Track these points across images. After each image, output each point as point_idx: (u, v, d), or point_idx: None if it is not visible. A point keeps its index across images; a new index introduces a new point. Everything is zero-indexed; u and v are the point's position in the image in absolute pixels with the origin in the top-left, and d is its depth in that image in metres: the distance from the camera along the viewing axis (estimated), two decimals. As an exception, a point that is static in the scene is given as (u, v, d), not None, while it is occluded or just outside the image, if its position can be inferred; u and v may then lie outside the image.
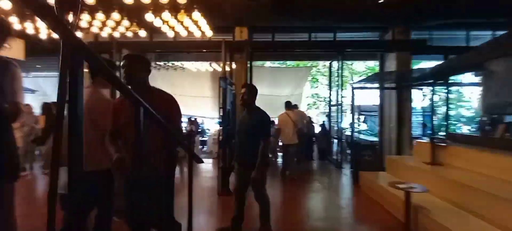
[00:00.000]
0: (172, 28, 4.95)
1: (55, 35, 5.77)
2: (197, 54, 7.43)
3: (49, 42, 5.93)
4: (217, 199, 4.33)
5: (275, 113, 10.56)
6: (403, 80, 5.83)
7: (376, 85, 6.70)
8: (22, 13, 5.10)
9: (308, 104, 15.36)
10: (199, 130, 9.76)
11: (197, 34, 5.17)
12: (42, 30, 5.56)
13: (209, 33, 5.22)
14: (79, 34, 5.63)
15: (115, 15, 4.68)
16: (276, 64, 11.08)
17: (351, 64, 13.19)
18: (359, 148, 5.07)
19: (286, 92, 9.41)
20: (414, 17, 5.55)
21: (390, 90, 6.24)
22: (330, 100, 7.54)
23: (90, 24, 5.00)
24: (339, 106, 7.24)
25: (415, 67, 6.62)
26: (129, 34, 5.49)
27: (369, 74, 11.34)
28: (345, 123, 9.09)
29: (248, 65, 6.42)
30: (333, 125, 8.23)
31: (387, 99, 6.49)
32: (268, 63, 9.89)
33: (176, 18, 4.65)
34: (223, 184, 4.49)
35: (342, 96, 7.22)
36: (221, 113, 4.61)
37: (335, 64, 7.91)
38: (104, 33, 5.47)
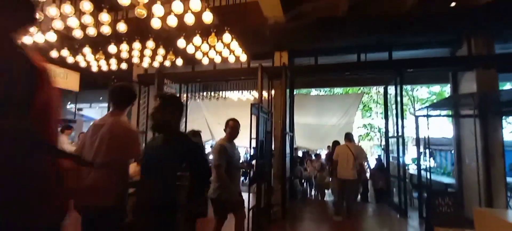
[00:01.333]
0: (205, 54, 4.72)
1: (103, 68, 6.15)
2: (238, 83, 7.19)
3: (100, 75, 6.32)
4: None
5: (321, 144, 9.58)
6: (488, 105, 4.51)
7: (449, 112, 5.39)
8: (76, 49, 5.50)
9: (360, 135, 13.83)
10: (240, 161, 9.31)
11: (231, 59, 4.85)
12: (93, 63, 5.93)
13: (243, 57, 4.86)
14: (123, 65, 5.89)
15: (150, 44, 4.67)
16: (322, 92, 10.28)
17: (412, 91, 11.59)
18: (433, 193, 3.86)
19: (332, 122, 8.46)
20: (500, 24, 4.35)
21: (469, 119, 4.89)
22: (386, 132, 6.37)
23: (130, 54, 5.11)
24: (400, 138, 5.99)
25: (504, 88, 5.16)
26: (167, 63, 5.47)
27: (435, 101, 9.68)
28: (408, 158, 7.59)
29: (288, 92, 5.83)
30: (391, 160, 6.86)
31: (465, 130, 5.11)
32: (314, 92, 9.21)
33: (207, 42, 4.41)
34: (255, 227, 3.76)
35: (402, 127, 5.99)
36: (254, 145, 4.01)
37: (391, 89, 6.77)
38: (145, 64, 5.57)
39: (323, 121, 8.55)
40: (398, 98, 5.79)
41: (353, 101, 8.25)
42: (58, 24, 3.99)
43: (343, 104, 7.97)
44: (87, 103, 9.09)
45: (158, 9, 3.47)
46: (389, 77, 6.31)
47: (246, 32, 4.92)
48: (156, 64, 5.55)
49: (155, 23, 3.76)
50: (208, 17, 3.63)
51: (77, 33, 4.21)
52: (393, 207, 5.77)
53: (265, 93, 5.98)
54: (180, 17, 3.63)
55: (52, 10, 3.68)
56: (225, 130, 3.17)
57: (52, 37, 4.49)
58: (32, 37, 4.44)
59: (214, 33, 4.27)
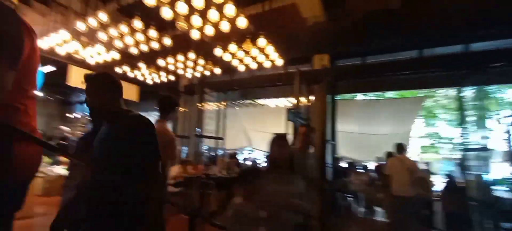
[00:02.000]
0: (241, 60, 4.79)
1: (156, 81, 6.78)
2: (276, 89, 7.11)
3: (154, 87, 6.99)
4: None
5: (369, 155, 8.69)
6: None
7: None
8: (134, 64, 6.19)
9: (423, 147, 12.15)
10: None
11: (267, 64, 4.81)
12: (148, 77, 6.59)
13: (279, 62, 4.77)
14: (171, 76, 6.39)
15: (191, 55, 4.95)
16: (370, 97, 9.38)
17: (495, 93, 9.63)
18: None
19: (384, 131, 7.62)
20: None
21: None
22: (462, 143, 5.05)
23: (175, 66, 5.51)
24: (483, 151, 4.80)
25: None
26: (207, 73, 5.74)
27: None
28: (492, 176, 5.97)
29: (329, 97, 5.49)
30: (470, 178, 5.26)
31: None
32: (359, 96, 8.45)
33: (243, 49, 4.47)
34: None
35: (484, 137, 4.88)
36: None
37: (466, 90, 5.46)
38: (188, 74, 5.94)
39: (372, 129, 7.77)
40: (478, 102, 4.76)
41: (412, 107, 7.24)
42: (118, 43, 4.55)
43: (398, 111, 7.08)
44: (146, 112, 10.12)
45: (196, 20, 3.67)
46: (463, 76, 4.98)
47: (282, 36, 4.82)
48: (197, 74, 5.89)
49: (194, 34, 3.98)
50: (242, 23, 3.69)
51: (133, 50, 4.73)
52: None
53: (303, 100, 5.76)
54: (216, 26, 3.78)
55: (112, 31, 4.23)
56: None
57: (115, 55, 5.14)
58: (100, 56, 5.17)
59: (249, 39, 4.31)
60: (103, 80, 1.54)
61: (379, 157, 9.07)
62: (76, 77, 6.03)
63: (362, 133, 7.59)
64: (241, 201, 1.86)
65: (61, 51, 4.79)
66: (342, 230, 4.87)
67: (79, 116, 11.88)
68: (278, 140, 2.09)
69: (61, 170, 5.69)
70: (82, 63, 5.68)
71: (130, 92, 7.40)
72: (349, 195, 6.15)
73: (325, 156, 4.75)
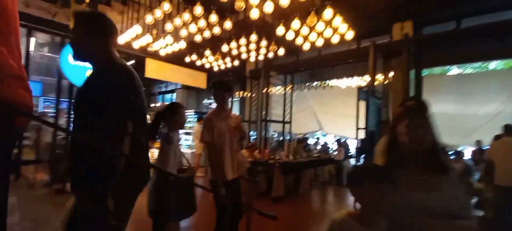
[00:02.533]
0: (306, 38, 4.42)
1: (222, 67, 6.99)
2: (347, 67, 6.46)
3: (221, 74, 7.23)
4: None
5: (465, 139, 7.19)
6: None
7: None
8: (200, 53, 6.48)
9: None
10: (349, 154, 8.42)
11: (335, 39, 4.32)
12: (214, 64, 6.84)
13: (349, 34, 4.22)
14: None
15: (253, 37, 4.83)
16: (466, 70, 7.64)
17: None
18: None
19: (487, 110, 6.17)
20: None
21: None
22: None
23: (239, 50, 5.50)
24: None
25: None
26: (271, 55, 5.56)
27: None
28: None
29: (412, 72, 4.64)
30: None
31: None
32: (452, 70, 6.92)
33: (307, 25, 4.09)
34: None
35: None
36: (361, 137, 3.40)
37: None
38: (252, 58, 5.88)
39: (469, 108, 6.36)
40: None
41: None
42: (183, 32, 4.76)
43: (506, 86, 5.56)
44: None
45: (254, -2, 3.48)
46: None
47: (353, 4, 4.23)
48: (261, 57, 5.77)
49: (254, 14, 3.82)
50: (304, -7, 3.33)
51: (197, 38, 4.90)
52: None
53: (380, 77, 5.04)
54: (275, 1, 3.52)
55: (177, 20, 4.42)
56: None
57: (183, 45, 5.43)
58: (170, 46, 5.55)
59: (313, 13, 3.91)
60: (90, 18, 1.34)
61: (479, 141, 7.47)
62: (151, 69, 6.69)
63: (456, 113, 6.31)
64: (350, 216, 1.11)
65: (136, 45, 5.27)
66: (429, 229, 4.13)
67: (158, 105, 13.44)
68: (413, 114, 1.14)
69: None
70: (155, 55, 6.22)
71: (199, 80, 7.86)
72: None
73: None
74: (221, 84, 2.32)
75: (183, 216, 2.17)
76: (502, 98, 5.82)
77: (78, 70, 4.68)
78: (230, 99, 2.47)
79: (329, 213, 4.84)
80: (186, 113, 2.29)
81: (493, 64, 7.29)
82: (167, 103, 2.43)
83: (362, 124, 3.87)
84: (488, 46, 4.91)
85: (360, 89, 3.30)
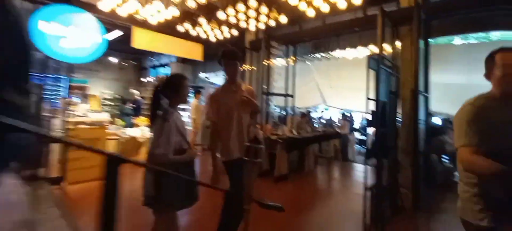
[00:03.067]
0: (310, 3, 4.07)
1: (219, 37, 6.57)
2: (353, 37, 6.11)
3: (218, 45, 6.82)
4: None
5: None
6: None
7: None
8: (194, 21, 6.04)
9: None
10: (354, 127, 8.33)
11: (342, 4, 3.98)
12: (210, 33, 6.42)
13: (357, 1, 3.88)
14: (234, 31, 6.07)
15: (252, 3, 4.44)
16: (473, 39, 7.37)
17: None
18: None
19: (494, 81, 5.98)
20: None
21: None
22: None
23: (237, 17, 5.10)
24: None
25: None
26: (273, 23, 5.19)
27: None
28: None
29: (421, 43, 4.37)
30: None
31: None
32: (459, 40, 6.58)
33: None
34: (374, 221, 2.95)
35: None
36: (372, 109, 3.18)
37: None
38: (252, 26, 5.49)
39: (475, 78, 6.16)
40: None
41: None
42: (175, -3, 4.33)
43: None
44: (213, 72, 10.22)
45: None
46: None
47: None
48: (262, 26, 5.39)
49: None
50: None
51: (191, 4, 4.48)
52: None
53: (387, 47, 4.76)
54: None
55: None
56: None
57: (175, 12, 4.99)
58: (160, 14, 5.11)
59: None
60: None
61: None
62: (140, 40, 6.22)
63: (462, 83, 6.13)
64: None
65: (122, 12, 4.82)
66: (437, 202, 4.08)
67: (151, 80, 12.95)
68: None
69: (134, 132, 6.03)
70: (144, 24, 5.76)
71: (194, 52, 7.45)
72: (447, 157, 5.16)
73: (417, 111, 3.89)
74: (233, 54, 2.09)
75: (183, 205, 1.87)
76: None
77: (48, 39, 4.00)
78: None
79: (336, 191, 4.71)
80: (189, 86, 2.00)
81: (497, 35, 7.01)
82: (167, 75, 2.14)
83: (371, 96, 3.67)
84: (497, 13, 4.61)
85: (370, 57, 3.03)
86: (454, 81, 6.34)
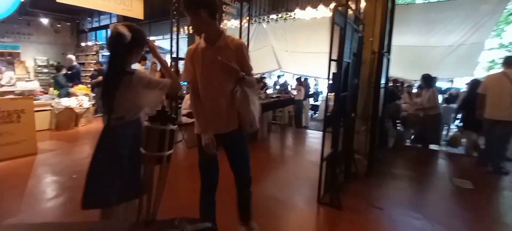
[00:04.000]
0: None
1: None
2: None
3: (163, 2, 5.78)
4: (312, 211, 2.65)
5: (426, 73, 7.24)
6: None
7: None
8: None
9: (491, 62, 10.08)
10: (310, 93, 8.10)
11: None
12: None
13: None
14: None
15: None
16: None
17: None
18: None
19: (449, 41, 6.01)
20: None
21: None
22: None
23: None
24: None
25: None
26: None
27: None
28: None
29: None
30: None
31: None
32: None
33: None
34: (328, 188, 2.80)
35: None
36: (334, 71, 2.73)
37: None
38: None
39: (432, 40, 6.14)
40: None
41: (491, 10, 5.36)
42: None
43: (475, 14, 5.28)
44: (160, 35, 9.05)
45: None
46: None
47: None
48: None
49: None
50: None
51: None
52: None
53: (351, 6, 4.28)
54: None
55: None
56: None
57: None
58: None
59: None
60: None
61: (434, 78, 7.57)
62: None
63: (420, 45, 6.06)
64: None
65: None
66: (391, 166, 4.03)
67: (91, 44, 11.24)
68: None
69: (69, 102, 5.19)
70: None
71: (134, 9, 6.30)
72: (400, 123, 5.12)
73: (380, 74, 3.58)
74: (190, 1, 1.54)
75: (122, 197, 1.46)
76: (465, 29, 5.63)
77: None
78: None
79: (290, 159, 4.48)
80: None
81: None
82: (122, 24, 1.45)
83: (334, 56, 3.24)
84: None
85: (336, 9, 2.49)
86: (410, 43, 6.25)
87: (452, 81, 8.43)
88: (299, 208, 2.71)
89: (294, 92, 7.39)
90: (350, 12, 2.80)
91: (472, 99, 4.18)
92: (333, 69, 2.63)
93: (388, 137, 4.76)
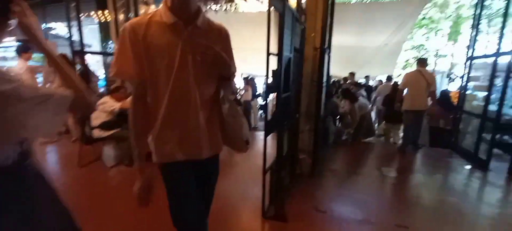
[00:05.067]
0: None
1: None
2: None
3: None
4: (256, 229, 2.35)
5: (361, 72, 7.76)
6: None
7: None
8: None
9: (407, 61, 11.45)
10: (257, 93, 7.85)
11: None
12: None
13: None
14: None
15: None
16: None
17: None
18: None
19: (378, 41, 6.44)
20: None
21: None
22: (472, 52, 4.22)
23: None
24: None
25: None
26: None
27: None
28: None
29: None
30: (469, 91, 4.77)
31: None
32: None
33: None
34: (272, 199, 2.52)
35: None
36: (273, 68, 2.41)
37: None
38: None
39: (365, 40, 6.51)
40: None
41: (412, 12, 5.88)
42: None
43: (399, 15, 5.72)
44: (59, 20, 7.41)
45: None
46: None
47: None
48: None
49: None
50: None
51: None
52: (463, 155, 4.30)
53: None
54: None
55: None
56: None
57: None
58: None
59: None
60: None
61: (367, 77, 8.17)
62: None
63: (354, 45, 6.35)
64: None
65: None
66: (333, 162, 4.05)
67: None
68: None
69: None
70: None
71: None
72: (340, 118, 5.24)
73: (322, 71, 3.46)
74: None
75: None
76: (391, 30, 6.06)
77: None
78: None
79: (236, 166, 4.08)
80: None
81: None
82: None
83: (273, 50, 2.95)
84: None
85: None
86: (347, 42, 6.49)
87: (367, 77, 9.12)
88: (242, 227, 2.37)
89: (242, 92, 7.03)
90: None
91: (393, 97, 4.95)
92: (273, 66, 2.32)
93: (330, 133, 4.81)
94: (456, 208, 2.69)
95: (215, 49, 0.98)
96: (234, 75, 1.19)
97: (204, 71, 1.05)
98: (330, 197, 2.93)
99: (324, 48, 3.34)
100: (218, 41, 1.10)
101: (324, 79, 3.93)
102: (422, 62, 4.51)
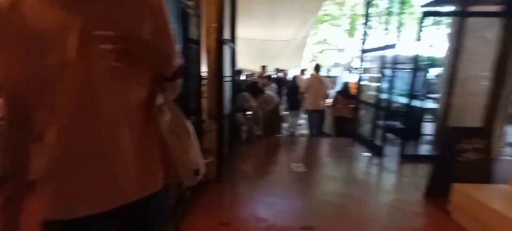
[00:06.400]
0: None
1: None
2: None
3: None
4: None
5: (271, 65, 7.86)
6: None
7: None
8: None
9: (313, 55, 12.44)
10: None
11: None
12: None
13: None
14: None
15: None
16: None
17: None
18: (453, 131, 2.64)
19: (286, 35, 6.60)
20: None
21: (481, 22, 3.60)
22: (363, 44, 4.75)
23: None
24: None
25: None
26: None
27: None
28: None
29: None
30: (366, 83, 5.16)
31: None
32: None
33: None
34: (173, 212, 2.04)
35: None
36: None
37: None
38: None
39: (274, 34, 6.57)
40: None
41: (314, 7, 6.21)
42: None
43: (303, 10, 5.90)
44: None
45: None
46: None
47: None
48: None
49: None
50: None
51: None
52: (362, 142, 4.63)
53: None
54: None
55: None
56: None
57: None
58: None
59: None
60: None
61: (279, 69, 8.36)
62: None
63: (264, 39, 6.31)
64: None
65: None
66: (242, 163, 3.81)
67: None
68: None
69: None
70: None
71: None
72: (250, 114, 5.04)
73: (222, 64, 3.10)
74: None
75: None
76: (297, 24, 6.27)
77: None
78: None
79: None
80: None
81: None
82: None
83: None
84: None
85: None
86: (256, 36, 6.42)
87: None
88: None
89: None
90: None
91: (295, 89, 5.78)
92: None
93: (241, 130, 4.58)
94: (357, 200, 2.76)
95: (140, 32, 0.65)
96: (180, 71, 0.81)
97: (126, 65, 0.66)
98: (237, 204, 2.67)
99: (222, 39, 3.00)
100: (146, 16, 0.67)
101: (229, 73, 3.63)
102: (317, 68, 5.27)
